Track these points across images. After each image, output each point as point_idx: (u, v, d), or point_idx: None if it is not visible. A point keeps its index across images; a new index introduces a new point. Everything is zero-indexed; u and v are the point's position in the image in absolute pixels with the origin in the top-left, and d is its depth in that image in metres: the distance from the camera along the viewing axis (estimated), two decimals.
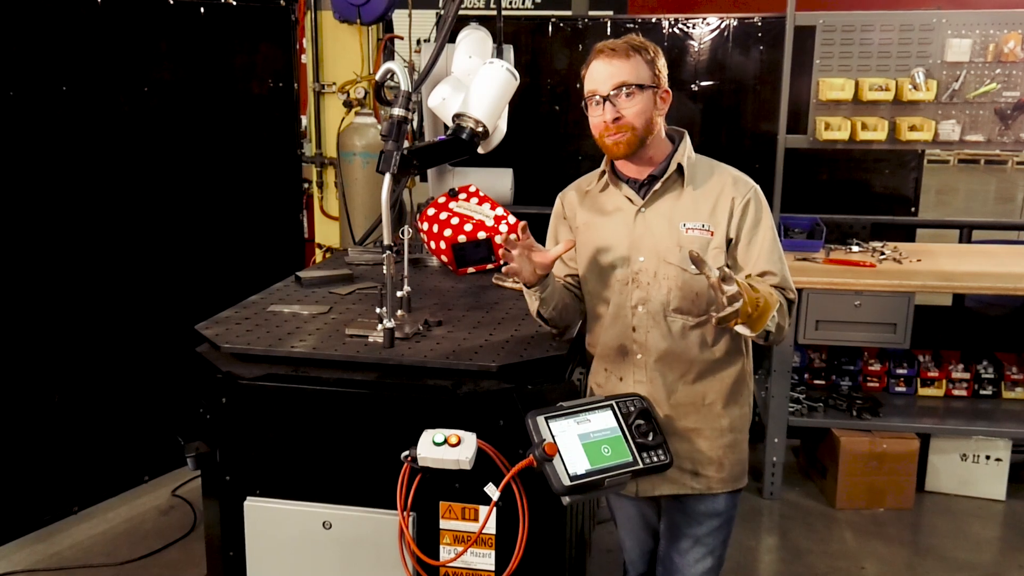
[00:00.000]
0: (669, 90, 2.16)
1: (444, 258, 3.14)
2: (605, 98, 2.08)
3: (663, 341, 2.17)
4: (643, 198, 2.18)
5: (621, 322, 2.20)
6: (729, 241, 2.14)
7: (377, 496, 2.11)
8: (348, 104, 4.33)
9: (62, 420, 3.57)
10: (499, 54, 3.23)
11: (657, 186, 2.16)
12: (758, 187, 2.20)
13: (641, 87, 2.08)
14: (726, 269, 1.86)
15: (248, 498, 2.20)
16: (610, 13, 4.98)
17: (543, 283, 2.17)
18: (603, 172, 2.25)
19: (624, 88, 2.07)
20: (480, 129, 2.72)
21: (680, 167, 2.16)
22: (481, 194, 3.27)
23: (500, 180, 3.52)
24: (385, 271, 2.22)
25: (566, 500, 1.88)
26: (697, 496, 2.24)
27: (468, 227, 3.10)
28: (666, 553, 2.35)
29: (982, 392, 4.24)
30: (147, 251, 3.83)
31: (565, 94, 4.96)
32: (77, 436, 3.64)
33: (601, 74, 2.09)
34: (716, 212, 2.14)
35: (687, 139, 2.22)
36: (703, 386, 2.19)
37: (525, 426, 1.92)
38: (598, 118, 2.11)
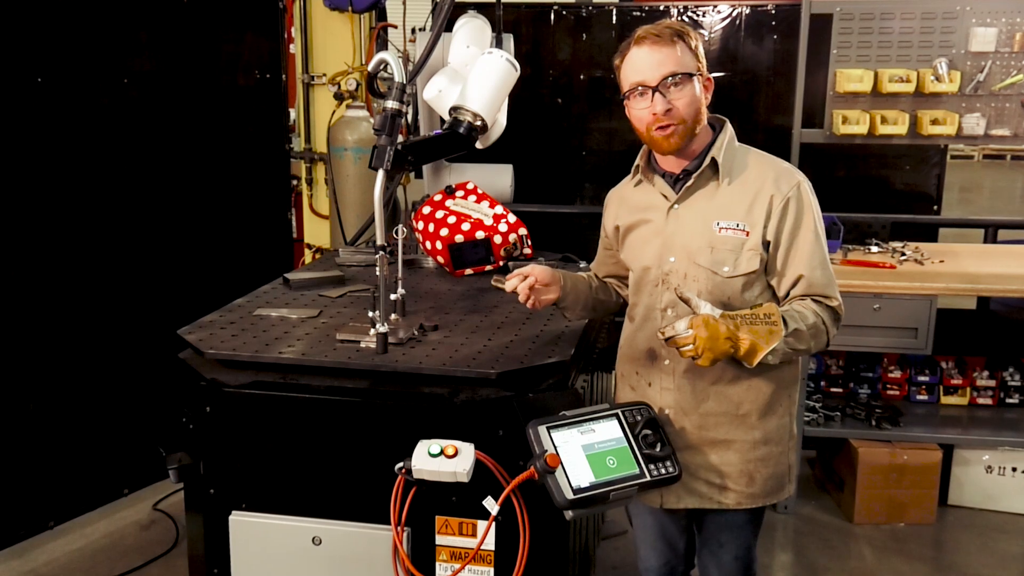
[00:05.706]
0: (711, 77, 2.14)
1: (440, 259, 3.15)
2: (654, 89, 2.04)
3: None
4: (677, 193, 2.17)
5: (650, 325, 2.19)
6: (767, 243, 2.10)
7: (370, 510, 2.11)
8: (339, 96, 4.34)
9: (37, 430, 3.57)
10: (498, 44, 3.23)
11: (690, 181, 2.14)
12: (804, 181, 2.15)
13: (689, 76, 2.05)
14: (666, 331, 1.95)
15: (233, 512, 2.21)
16: (615, 0, 4.98)
17: (560, 300, 2.27)
18: (637, 166, 2.23)
19: (673, 78, 2.03)
20: (478, 123, 2.73)
21: (715, 161, 2.13)
22: (479, 191, 3.28)
23: (499, 177, 3.53)
24: (378, 273, 2.23)
25: (569, 514, 1.88)
26: (723, 509, 2.24)
27: (466, 226, 3.10)
28: (699, 552, 2.41)
29: (1008, 400, 4.24)
30: (127, 251, 3.84)
31: (568, 86, 4.96)
32: (53, 447, 3.63)
33: (646, 62, 2.04)
34: (753, 210, 2.10)
35: (728, 129, 2.18)
36: (738, 394, 2.15)
37: (526, 436, 1.92)
38: (644, 110, 2.06)
